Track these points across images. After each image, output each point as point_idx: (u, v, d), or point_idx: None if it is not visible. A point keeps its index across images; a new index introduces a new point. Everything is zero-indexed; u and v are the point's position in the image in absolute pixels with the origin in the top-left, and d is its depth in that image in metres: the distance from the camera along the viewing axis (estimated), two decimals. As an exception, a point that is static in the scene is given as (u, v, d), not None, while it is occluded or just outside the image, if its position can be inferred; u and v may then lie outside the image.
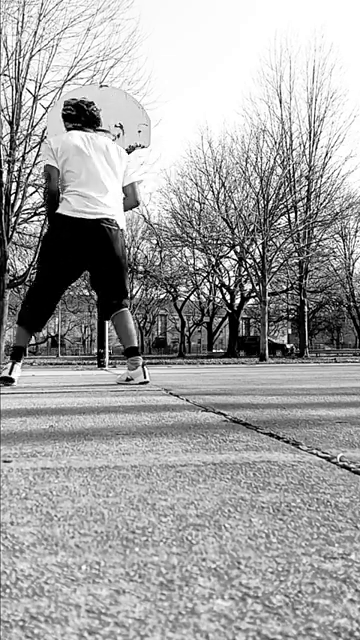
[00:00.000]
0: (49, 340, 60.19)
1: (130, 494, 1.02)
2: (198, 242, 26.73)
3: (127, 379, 4.25)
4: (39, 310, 4.21)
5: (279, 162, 22.68)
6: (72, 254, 4.04)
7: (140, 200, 4.40)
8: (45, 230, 15.19)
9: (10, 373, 4.07)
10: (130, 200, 4.31)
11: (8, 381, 4.04)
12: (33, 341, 57.62)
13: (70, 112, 4.28)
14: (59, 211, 4.01)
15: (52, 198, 4.10)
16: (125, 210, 4.32)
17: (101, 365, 9.23)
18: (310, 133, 27.69)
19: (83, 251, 4.04)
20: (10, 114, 16.27)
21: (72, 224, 3.97)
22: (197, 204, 27.95)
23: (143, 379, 4.12)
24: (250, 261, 22.59)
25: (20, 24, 15.79)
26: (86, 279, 37.23)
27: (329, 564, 0.69)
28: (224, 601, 0.59)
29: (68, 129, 4.29)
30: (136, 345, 4.23)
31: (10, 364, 4.15)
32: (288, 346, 42.43)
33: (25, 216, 18.24)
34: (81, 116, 4.25)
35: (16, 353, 4.22)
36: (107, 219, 4.02)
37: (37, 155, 16.69)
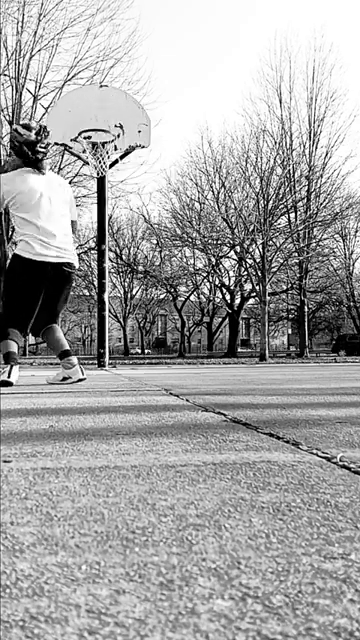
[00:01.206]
0: (49, 340, 60.10)
1: (130, 494, 1.02)
2: (198, 242, 26.74)
3: (64, 378, 4.42)
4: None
5: (279, 162, 22.68)
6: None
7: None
8: None
9: (9, 376, 4.14)
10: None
11: (7, 384, 4.12)
12: (33, 341, 57.57)
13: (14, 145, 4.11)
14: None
15: None
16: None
17: (101, 365, 9.24)
18: (310, 133, 27.70)
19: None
20: (10, 114, 16.29)
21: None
22: (197, 204, 27.96)
23: (81, 376, 4.32)
24: (250, 261, 22.60)
25: (20, 24, 15.81)
26: (86, 279, 37.39)
27: (329, 564, 0.69)
28: (224, 601, 0.59)
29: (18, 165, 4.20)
30: (68, 348, 4.45)
31: (8, 367, 4.20)
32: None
33: (25, 216, 18.24)
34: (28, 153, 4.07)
35: (8, 357, 4.25)
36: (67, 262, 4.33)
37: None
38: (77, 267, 4.39)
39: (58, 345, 4.42)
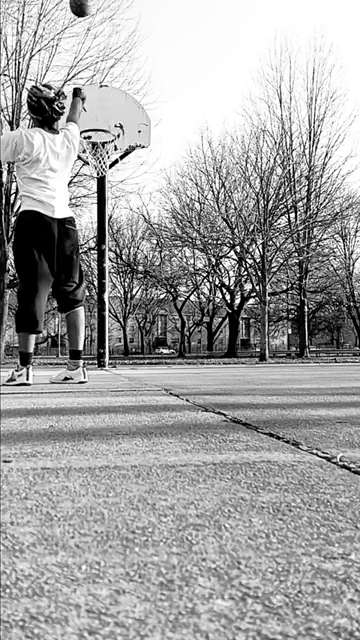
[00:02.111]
0: (49, 340, 60.19)
1: (130, 494, 1.02)
2: (198, 242, 26.73)
3: (65, 378, 4.51)
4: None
5: (279, 162, 22.67)
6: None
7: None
8: None
9: (27, 379, 4.33)
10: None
11: (26, 386, 4.28)
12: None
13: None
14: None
15: None
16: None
17: (101, 365, 9.24)
18: (310, 133, 27.69)
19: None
20: (10, 114, 16.28)
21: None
22: (197, 204, 27.95)
23: (82, 379, 4.44)
24: (250, 261, 22.59)
25: (20, 24, 15.81)
26: (86, 279, 37.21)
27: (329, 564, 0.69)
28: (224, 601, 0.59)
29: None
30: (80, 349, 4.51)
31: (24, 370, 4.35)
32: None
33: (25, 216, 18.23)
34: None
35: (27, 359, 4.40)
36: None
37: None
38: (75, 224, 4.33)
39: (73, 342, 4.49)
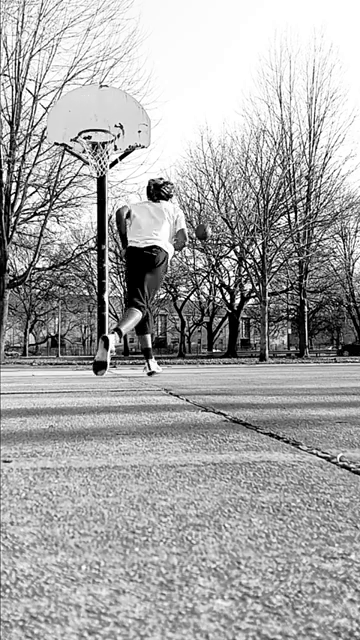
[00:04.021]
0: (49, 340, 60.17)
1: (130, 494, 1.02)
2: (198, 242, 26.71)
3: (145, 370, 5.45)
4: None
5: (279, 162, 22.67)
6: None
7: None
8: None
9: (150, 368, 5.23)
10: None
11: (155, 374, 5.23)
12: (33, 341, 57.63)
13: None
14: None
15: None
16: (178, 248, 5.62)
17: (101, 365, 9.22)
18: (310, 133, 27.68)
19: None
20: (10, 114, 16.27)
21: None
22: (197, 204, 27.94)
23: (148, 371, 5.23)
24: (250, 261, 22.59)
25: (20, 24, 15.80)
26: (86, 279, 37.36)
27: (329, 564, 0.69)
28: (224, 601, 0.59)
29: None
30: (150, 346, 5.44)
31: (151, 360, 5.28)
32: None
33: (25, 216, 18.24)
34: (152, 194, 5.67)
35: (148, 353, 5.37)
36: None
37: (37, 155, 16.70)
38: (163, 249, 5.29)
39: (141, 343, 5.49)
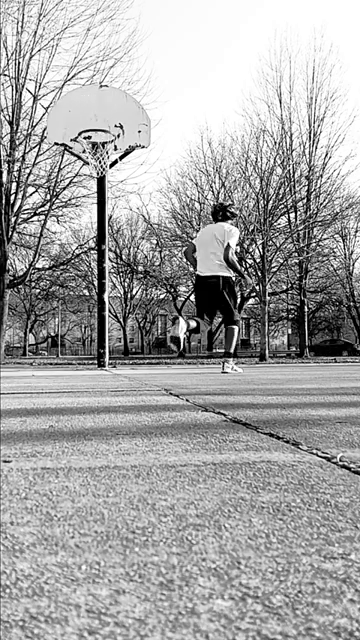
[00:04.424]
0: (49, 340, 60.16)
1: (130, 494, 1.02)
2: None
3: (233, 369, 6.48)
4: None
5: (279, 162, 22.67)
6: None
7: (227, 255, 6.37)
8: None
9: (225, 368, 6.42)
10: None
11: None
12: (33, 341, 57.63)
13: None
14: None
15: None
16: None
17: (101, 365, 9.24)
18: (310, 133, 27.67)
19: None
20: (10, 114, 16.27)
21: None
22: (197, 204, 27.93)
23: (222, 370, 6.35)
24: (250, 261, 22.58)
25: (20, 24, 15.80)
26: (86, 279, 37.38)
27: (329, 564, 0.69)
28: (224, 601, 0.59)
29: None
30: (224, 350, 6.46)
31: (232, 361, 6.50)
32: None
33: (25, 216, 18.25)
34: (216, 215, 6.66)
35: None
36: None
37: (37, 155, 16.70)
38: (222, 275, 6.19)
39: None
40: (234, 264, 6.17)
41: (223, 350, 6.43)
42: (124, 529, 0.82)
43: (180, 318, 5.60)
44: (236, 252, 6.35)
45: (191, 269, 6.67)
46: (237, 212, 6.84)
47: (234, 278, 6.35)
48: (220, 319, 6.81)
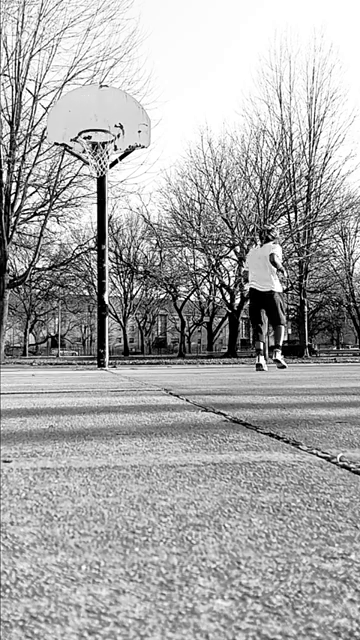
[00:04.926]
0: (49, 340, 60.16)
1: (130, 494, 1.02)
2: (198, 242, 26.72)
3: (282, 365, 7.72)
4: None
5: (279, 162, 22.68)
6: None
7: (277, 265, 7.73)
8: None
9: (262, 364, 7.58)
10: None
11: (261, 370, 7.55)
12: (33, 341, 57.65)
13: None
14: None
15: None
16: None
17: (101, 365, 9.24)
18: (310, 133, 27.67)
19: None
20: (10, 114, 16.27)
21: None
22: (197, 204, 27.92)
23: (283, 364, 7.73)
24: (250, 261, 22.56)
25: (20, 24, 15.80)
26: (86, 279, 37.41)
27: (329, 564, 0.69)
28: (224, 601, 0.59)
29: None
30: (272, 344, 7.94)
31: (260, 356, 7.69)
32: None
33: (25, 216, 18.24)
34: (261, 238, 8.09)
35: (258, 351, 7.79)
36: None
37: (37, 155, 16.70)
38: (276, 291, 7.71)
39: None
40: (277, 264, 7.55)
41: (273, 343, 7.95)
42: (124, 529, 0.82)
43: (260, 351, 7.61)
44: (279, 260, 7.69)
45: (245, 285, 8.58)
46: (278, 235, 7.88)
47: (281, 290, 7.93)
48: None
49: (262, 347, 7.76)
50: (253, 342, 8.45)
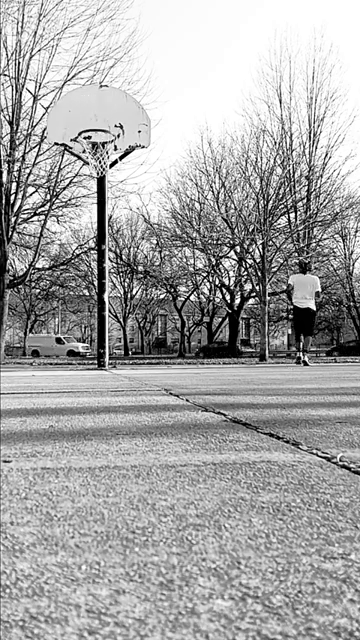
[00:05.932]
0: (49, 340, 60.03)
1: (130, 494, 1.02)
2: (198, 242, 26.72)
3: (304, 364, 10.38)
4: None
5: (279, 162, 22.66)
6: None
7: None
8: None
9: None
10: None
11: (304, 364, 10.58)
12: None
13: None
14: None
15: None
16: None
17: (101, 365, 9.23)
18: (310, 133, 27.66)
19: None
20: (10, 114, 16.27)
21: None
22: (197, 204, 27.92)
23: (308, 364, 10.43)
24: (250, 261, 22.59)
25: (20, 24, 15.80)
26: (86, 279, 37.41)
27: (329, 564, 0.69)
28: (224, 601, 0.59)
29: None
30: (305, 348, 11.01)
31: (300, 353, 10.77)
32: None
33: (25, 216, 18.24)
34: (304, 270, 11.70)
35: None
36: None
37: (37, 155, 16.70)
38: (314, 309, 10.92)
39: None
40: (320, 294, 10.78)
41: (301, 348, 10.77)
42: (124, 529, 0.82)
43: (300, 350, 10.66)
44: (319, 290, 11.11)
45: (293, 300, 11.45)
46: (313, 268, 11.03)
47: (315, 308, 10.91)
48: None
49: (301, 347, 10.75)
50: (296, 342, 11.38)
